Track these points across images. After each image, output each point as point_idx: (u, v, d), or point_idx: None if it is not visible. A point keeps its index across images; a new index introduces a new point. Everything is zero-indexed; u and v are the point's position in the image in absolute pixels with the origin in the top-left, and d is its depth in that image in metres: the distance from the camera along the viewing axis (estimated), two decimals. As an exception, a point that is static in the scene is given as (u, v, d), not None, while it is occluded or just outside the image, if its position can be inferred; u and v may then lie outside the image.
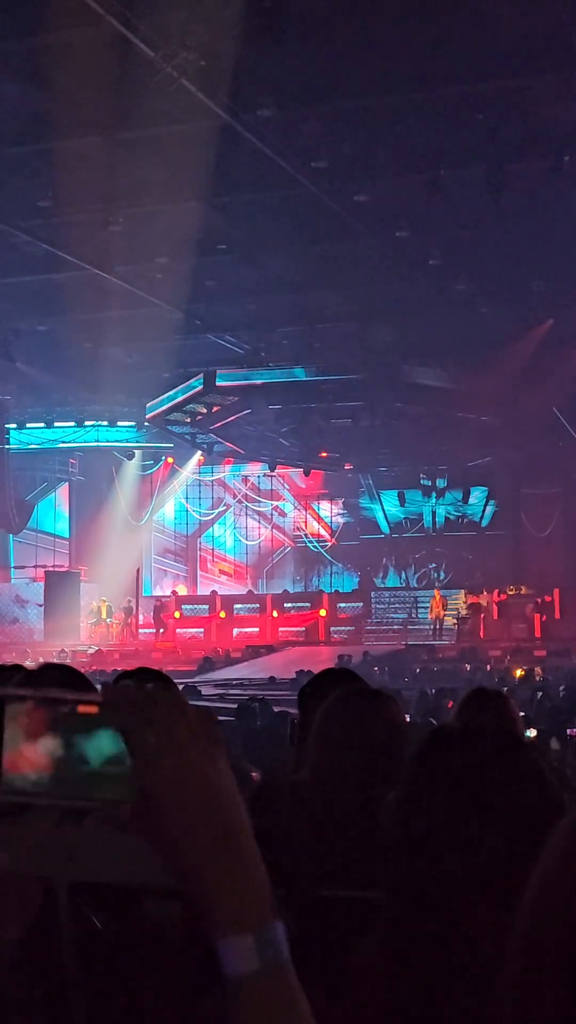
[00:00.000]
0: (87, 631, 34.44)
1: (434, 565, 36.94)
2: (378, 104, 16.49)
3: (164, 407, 30.76)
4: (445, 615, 32.29)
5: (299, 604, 36.35)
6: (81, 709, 1.15)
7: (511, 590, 32.64)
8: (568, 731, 9.59)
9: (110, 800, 1.14)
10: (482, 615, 32.32)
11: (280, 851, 2.85)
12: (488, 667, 25.08)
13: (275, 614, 35.56)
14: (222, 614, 35.84)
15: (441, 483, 36.11)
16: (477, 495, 36.10)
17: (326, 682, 3.29)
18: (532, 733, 9.27)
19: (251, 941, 1.13)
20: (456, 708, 4.33)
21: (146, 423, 33.35)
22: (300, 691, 3.34)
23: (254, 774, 6.57)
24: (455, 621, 32.60)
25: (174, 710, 1.17)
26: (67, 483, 38.52)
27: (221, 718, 13.05)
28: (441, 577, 36.28)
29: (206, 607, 36.41)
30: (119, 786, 1.14)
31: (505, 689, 16.03)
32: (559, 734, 9.58)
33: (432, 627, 32.10)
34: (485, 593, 32.70)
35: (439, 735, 1.71)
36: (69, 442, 35.28)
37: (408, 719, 10.47)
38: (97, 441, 35.26)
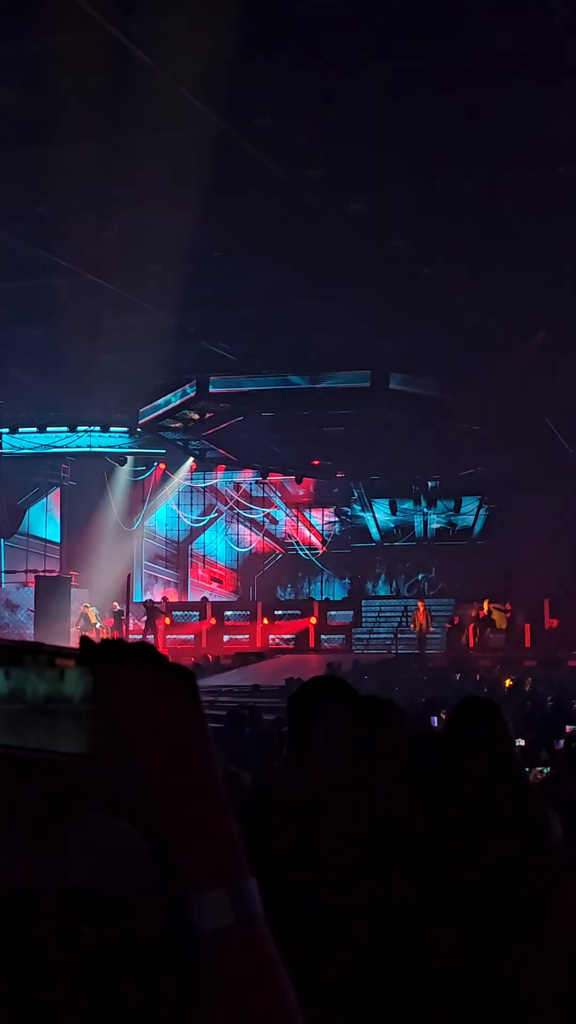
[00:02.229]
0: (77, 636, 34.33)
1: (425, 574, 36.94)
2: (373, 113, 16.52)
3: (157, 413, 30.79)
4: (431, 629, 32.19)
5: (290, 612, 36.31)
6: (59, 661, 1.14)
7: (502, 599, 32.64)
8: (557, 742, 9.58)
9: (84, 754, 1.13)
10: (471, 625, 32.28)
11: (273, 856, 2.85)
12: (478, 676, 25.06)
13: (265, 621, 35.52)
14: (212, 621, 35.81)
15: (433, 492, 36.10)
16: (469, 504, 36.08)
17: (315, 691, 3.28)
18: (521, 743, 9.26)
19: (225, 895, 1.11)
20: (447, 717, 4.32)
21: (139, 429, 33.35)
22: (289, 699, 3.33)
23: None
24: (443, 635, 32.49)
25: (151, 660, 1.16)
26: (59, 488, 38.46)
27: (210, 725, 13.03)
28: (429, 588, 36.31)
29: (196, 614, 36.37)
30: (93, 739, 1.13)
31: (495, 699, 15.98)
32: (548, 744, 9.58)
33: (416, 639, 31.99)
34: (475, 603, 32.68)
35: (425, 745, 1.72)
36: (61, 447, 35.22)
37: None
38: (89, 446, 35.21)
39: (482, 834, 1.57)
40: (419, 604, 32.56)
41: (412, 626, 32.02)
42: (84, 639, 1.18)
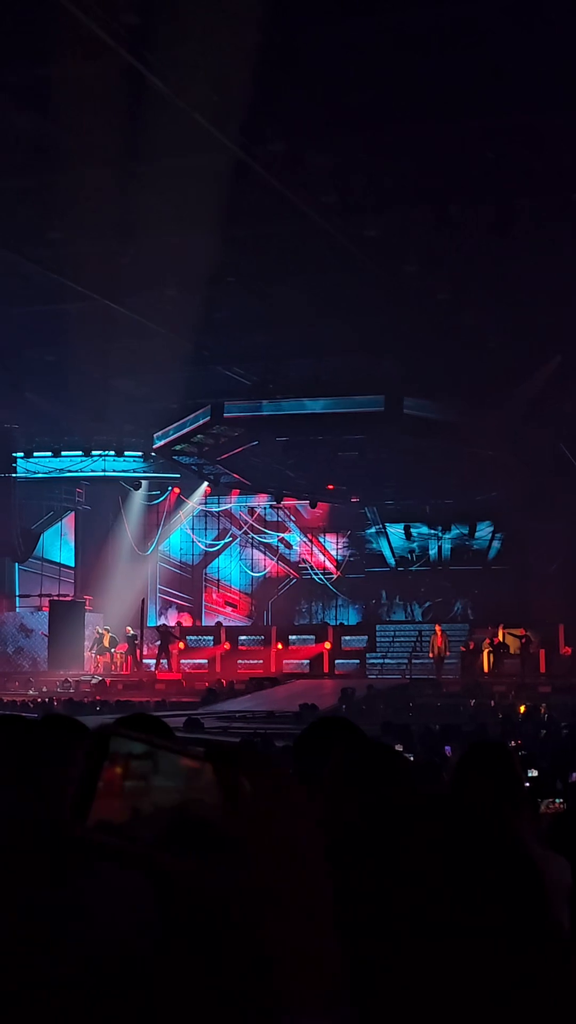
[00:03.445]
0: (91, 660, 34.35)
1: (439, 599, 36.82)
2: (387, 139, 16.56)
3: (171, 438, 30.82)
4: (447, 654, 32.01)
5: (304, 637, 36.20)
6: (184, 761, 1.12)
7: (516, 625, 32.48)
8: (572, 774, 9.46)
9: (199, 851, 1.10)
10: (486, 650, 32.11)
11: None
12: (492, 703, 24.94)
13: (280, 646, 35.44)
14: (227, 645, 35.73)
15: (447, 517, 36.03)
16: (483, 529, 36.03)
17: (322, 732, 3.22)
18: (534, 773, 9.17)
19: (321, 1022, 1.04)
20: (455, 764, 4.22)
21: (153, 453, 33.39)
22: (295, 742, 3.27)
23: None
24: (457, 660, 32.32)
25: (270, 764, 1.13)
26: (73, 512, 38.50)
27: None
28: (443, 613, 36.19)
29: (211, 638, 36.30)
30: (209, 838, 1.10)
31: (507, 731, 15.94)
32: (562, 775, 9.46)
33: (433, 664, 31.83)
34: (490, 628, 32.54)
35: (429, 803, 1.66)
36: (76, 471, 35.30)
37: (412, 757, 10.28)
38: (104, 471, 35.28)
39: (473, 898, 1.52)
40: (436, 628, 32.42)
41: (431, 653, 31.87)
42: (210, 744, 1.14)
